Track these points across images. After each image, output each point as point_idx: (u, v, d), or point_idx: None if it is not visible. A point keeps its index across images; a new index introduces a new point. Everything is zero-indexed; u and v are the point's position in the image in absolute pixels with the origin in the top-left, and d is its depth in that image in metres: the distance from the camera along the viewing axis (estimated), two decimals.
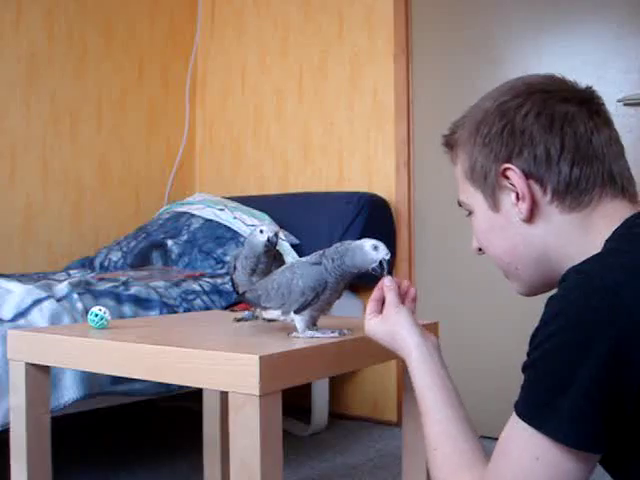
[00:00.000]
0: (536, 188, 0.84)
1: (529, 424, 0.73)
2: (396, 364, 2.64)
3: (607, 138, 0.85)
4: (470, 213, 0.94)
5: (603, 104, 0.88)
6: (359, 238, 2.49)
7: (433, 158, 2.64)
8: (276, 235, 1.39)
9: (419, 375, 0.96)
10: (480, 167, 0.88)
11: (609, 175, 0.83)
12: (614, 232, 0.80)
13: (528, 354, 0.76)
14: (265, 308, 1.26)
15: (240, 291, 1.47)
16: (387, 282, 1.06)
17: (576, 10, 2.34)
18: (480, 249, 0.96)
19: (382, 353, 1.31)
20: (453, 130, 0.97)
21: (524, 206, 0.84)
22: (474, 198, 0.91)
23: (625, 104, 2.22)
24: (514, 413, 0.76)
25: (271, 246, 1.40)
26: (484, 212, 0.90)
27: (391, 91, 2.75)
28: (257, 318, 1.50)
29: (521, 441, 0.74)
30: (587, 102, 0.86)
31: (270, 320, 1.46)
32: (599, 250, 0.79)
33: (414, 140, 2.70)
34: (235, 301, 1.41)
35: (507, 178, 0.85)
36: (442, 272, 2.61)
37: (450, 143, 0.97)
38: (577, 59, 2.33)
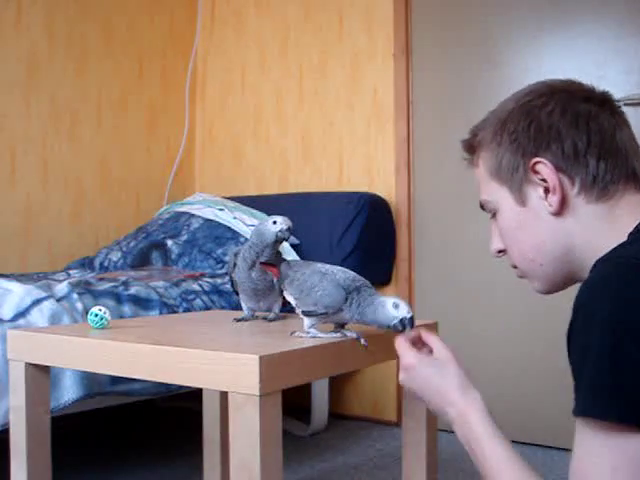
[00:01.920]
0: (565, 181, 0.86)
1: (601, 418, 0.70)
2: (396, 364, 2.64)
3: (628, 135, 0.88)
4: (494, 215, 0.95)
5: (620, 106, 0.91)
6: (359, 238, 2.54)
7: (433, 158, 2.64)
8: (289, 230, 1.36)
9: (488, 423, 0.92)
10: (507, 163, 0.90)
11: (632, 170, 0.86)
12: (637, 226, 0.81)
13: (573, 348, 0.74)
14: (286, 290, 1.26)
15: (238, 289, 1.46)
16: (424, 330, 1.03)
17: (576, 10, 2.34)
18: (500, 251, 0.97)
19: (382, 353, 1.32)
20: (474, 133, 0.97)
21: (554, 199, 0.86)
22: (499, 195, 0.92)
23: (625, 104, 2.22)
24: (579, 425, 0.73)
25: (282, 239, 1.37)
26: (511, 208, 0.91)
27: (391, 91, 2.75)
28: (257, 318, 1.50)
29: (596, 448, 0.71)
30: (607, 102, 0.89)
31: (271, 320, 1.46)
32: (623, 240, 0.80)
33: (414, 140, 2.70)
34: (269, 262, 1.34)
35: (536, 173, 0.87)
36: (442, 272, 2.61)
37: (472, 145, 0.97)
38: (577, 59, 2.33)
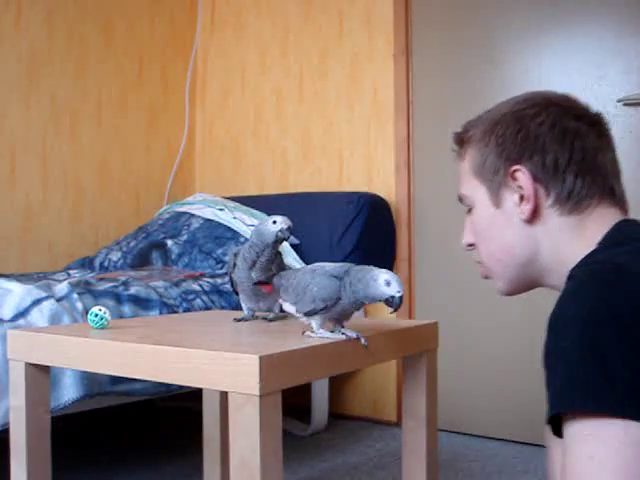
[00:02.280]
0: (541, 192, 0.89)
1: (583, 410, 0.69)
2: (396, 364, 2.64)
3: (611, 159, 0.94)
4: (470, 209, 0.98)
5: (610, 129, 0.94)
6: (359, 238, 2.54)
7: (433, 158, 2.64)
8: (289, 229, 1.36)
9: None
10: (490, 164, 0.93)
11: (610, 188, 0.90)
12: (605, 235, 0.85)
13: (550, 350, 0.75)
14: (284, 300, 1.26)
15: (238, 289, 1.47)
16: None
17: (576, 10, 2.34)
18: (470, 245, 0.99)
19: (382, 353, 1.32)
20: (466, 128, 0.99)
21: (527, 207, 0.89)
22: (477, 193, 0.95)
23: (625, 104, 2.22)
24: (566, 434, 0.72)
25: (282, 239, 1.36)
26: (486, 208, 0.94)
27: (391, 91, 2.75)
28: (257, 318, 1.50)
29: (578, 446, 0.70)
30: (597, 124, 0.93)
31: (271, 320, 1.46)
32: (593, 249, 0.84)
33: (414, 140, 2.70)
34: (264, 280, 1.35)
35: (514, 179, 0.90)
36: (442, 272, 2.61)
37: (462, 139, 1.00)
38: (577, 59, 2.33)
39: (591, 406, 0.69)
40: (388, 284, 1.11)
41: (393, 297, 1.10)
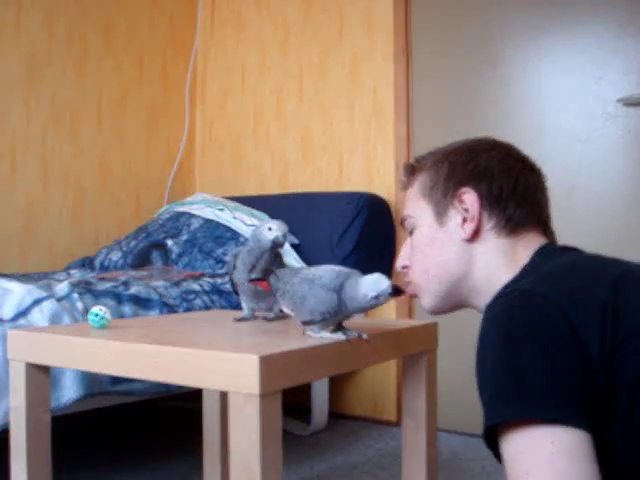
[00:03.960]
0: (484, 215, 0.97)
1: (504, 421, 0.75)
2: (396, 364, 2.64)
3: (546, 199, 1.02)
4: (411, 232, 1.04)
5: (545, 182, 1.03)
6: (359, 238, 2.54)
7: None
8: (284, 236, 1.37)
9: None
10: (440, 186, 1.00)
11: (541, 218, 1.00)
12: (531, 258, 0.94)
13: (478, 377, 0.82)
14: (282, 303, 1.26)
15: (239, 290, 1.47)
16: None
17: (576, 10, 2.34)
18: (405, 267, 1.06)
19: (382, 353, 1.32)
20: (418, 160, 1.08)
21: (470, 227, 0.97)
22: (422, 212, 1.02)
23: (625, 104, 2.22)
24: (501, 445, 0.77)
25: (277, 246, 1.37)
26: (429, 225, 1.01)
27: (391, 91, 2.75)
28: (257, 318, 1.50)
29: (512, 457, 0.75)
30: (537, 171, 1.02)
31: (271, 320, 1.46)
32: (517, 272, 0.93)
33: (414, 140, 2.70)
34: (259, 278, 1.36)
35: (461, 202, 0.98)
36: None
37: (413, 168, 1.08)
38: (577, 59, 2.33)
39: (512, 415, 0.74)
40: (376, 298, 1.10)
41: (390, 288, 1.10)
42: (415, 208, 1.04)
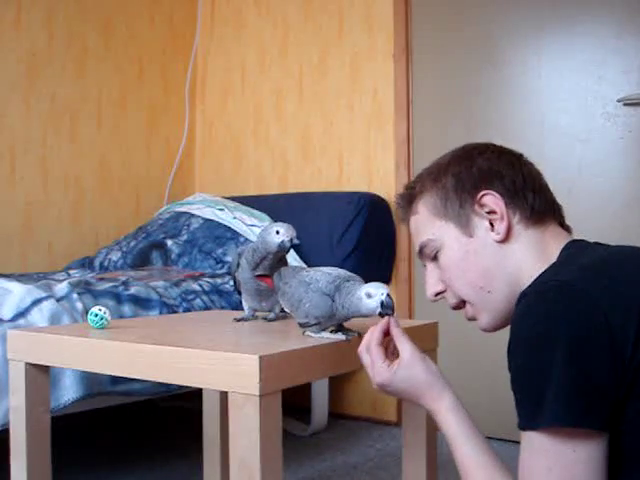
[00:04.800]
0: (509, 211, 0.95)
1: (535, 429, 0.78)
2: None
3: (546, 182, 1.01)
4: (435, 256, 1.00)
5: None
6: (359, 238, 2.53)
7: (433, 158, 2.63)
8: (290, 241, 1.36)
9: (456, 422, 0.96)
10: (453, 200, 0.98)
11: (555, 206, 1.00)
12: (563, 249, 0.93)
13: (512, 372, 0.82)
14: (282, 303, 1.27)
15: (241, 289, 1.46)
16: (394, 324, 1.04)
17: (576, 10, 2.34)
18: (438, 293, 1.02)
19: None
20: (411, 186, 1.05)
21: (502, 227, 0.94)
22: (444, 231, 0.99)
23: (625, 104, 2.22)
24: (523, 436, 0.81)
25: (282, 250, 1.37)
26: (457, 241, 0.97)
27: (391, 91, 2.75)
28: (257, 318, 1.50)
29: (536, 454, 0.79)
30: (527, 160, 1.01)
31: (271, 320, 1.46)
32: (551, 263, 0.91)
33: (414, 140, 2.70)
34: (262, 274, 1.36)
35: (482, 206, 0.96)
36: None
37: (411, 195, 1.04)
38: (577, 59, 2.32)
39: (540, 423, 0.77)
40: (370, 295, 1.10)
41: (383, 302, 1.09)
42: (433, 231, 1.00)
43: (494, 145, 1.03)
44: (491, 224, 0.95)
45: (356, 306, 1.12)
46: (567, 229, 1.01)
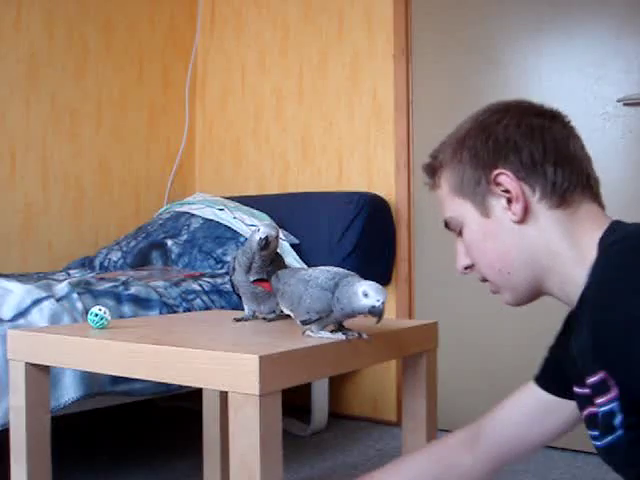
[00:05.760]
0: (526, 189, 0.89)
1: None
2: (396, 364, 2.64)
3: (580, 146, 0.93)
4: (459, 232, 0.98)
5: (570, 120, 0.95)
6: (359, 238, 2.53)
7: None
8: (266, 238, 1.37)
9: None
10: (469, 177, 0.93)
11: (587, 179, 0.91)
12: (604, 235, 0.85)
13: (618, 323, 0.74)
14: (281, 304, 1.28)
15: (239, 292, 1.47)
16: None
17: (576, 10, 2.34)
18: (467, 267, 1.00)
19: (382, 353, 1.32)
20: (434, 156, 1.01)
21: (518, 207, 0.89)
22: (463, 210, 0.95)
23: (625, 104, 2.22)
24: None
25: (262, 247, 1.37)
26: (476, 221, 0.94)
27: (391, 91, 2.75)
28: (257, 318, 1.50)
29: None
30: (558, 116, 0.95)
31: (271, 320, 1.46)
32: (587, 247, 0.86)
33: (414, 140, 2.70)
34: (262, 279, 1.38)
35: (498, 184, 0.90)
36: (442, 272, 2.61)
37: (433, 167, 1.01)
38: (577, 59, 2.33)
39: None
40: (366, 295, 1.10)
41: (374, 307, 1.10)
42: (454, 208, 0.97)
43: (517, 106, 0.95)
44: (509, 202, 0.90)
45: (349, 299, 1.12)
46: (600, 202, 0.93)
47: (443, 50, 2.63)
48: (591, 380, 0.80)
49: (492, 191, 0.91)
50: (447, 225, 1.00)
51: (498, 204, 0.91)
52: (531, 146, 0.90)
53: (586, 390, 0.84)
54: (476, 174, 0.92)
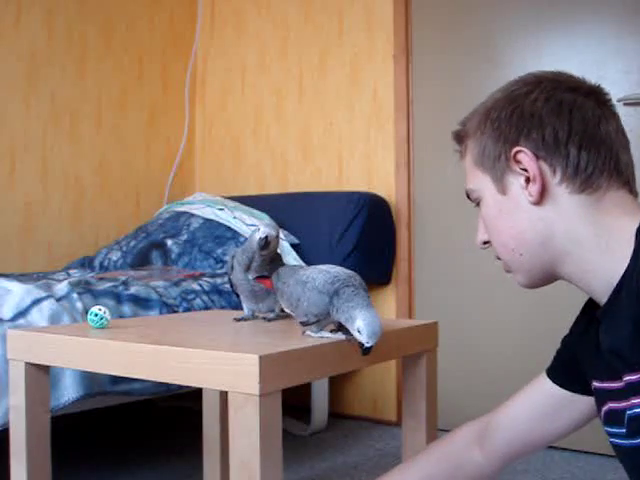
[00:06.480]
0: (545, 169, 0.85)
1: None
2: (396, 364, 2.64)
3: (615, 128, 0.88)
4: (478, 204, 0.94)
5: (611, 98, 0.90)
6: (359, 238, 2.53)
7: (433, 158, 2.64)
8: (267, 238, 1.37)
9: None
10: (490, 151, 0.89)
11: (616, 163, 0.85)
12: None
13: None
14: (281, 302, 1.28)
15: (238, 291, 1.47)
16: None
17: (576, 10, 2.34)
18: (485, 242, 0.96)
19: (382, 353, 1.32)
20: (463, 123, 0.96)
21: (534, 188, 0.85)
22: (483, 183, 0.91)
23: (625, 104, 2.22)
24: None
25: (262, 247, 1.37)
26: (493, 197, 0.90)
27: (391, 91, 2.75)
28: (257, 318, 1.50)
29: None
30: (594, 93, 0.88)
31: (271, 320, 1.46)
32: (618, 236, 0.80)
33: (414, 140, 2.70)
34: (260, 275, 1.38)
35: (517, 162, 0.86)
36: (442, 272, 2.61)
37: (460, 135, 0.96)
38: (577, 59, 2.32)
39: None
40: (359, 332, 1.10)
41: (363, 345, 1.10)
42: (474, 180, 0.93)
43: (552, 79, 0.89)
44: (527, 181, 0.85)
45: (345, 320, 1.12)
46: (630, 188, 0.87)
47: (443, 50, 2.63)
48: (631, 378, 0.76)
49: (511, 168, 0.87)
50: (468, 196, 0.96)
51: (516, 182, 0.87)
52: (556, 123, 0.84)
53: (614, 385, 0.81)
54: (496, 149, 0.88)
